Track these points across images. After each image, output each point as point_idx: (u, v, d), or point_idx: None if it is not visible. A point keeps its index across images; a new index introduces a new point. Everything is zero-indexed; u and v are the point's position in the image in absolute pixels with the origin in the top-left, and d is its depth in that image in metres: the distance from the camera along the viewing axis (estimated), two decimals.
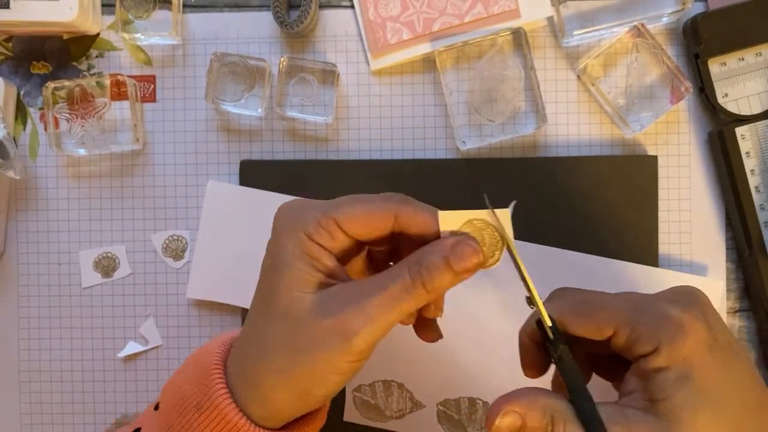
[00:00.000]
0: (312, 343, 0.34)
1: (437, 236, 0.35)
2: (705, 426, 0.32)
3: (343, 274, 0.36)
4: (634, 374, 0.34)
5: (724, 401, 0.33)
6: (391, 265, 0.36)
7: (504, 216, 0.35)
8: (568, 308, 0.36)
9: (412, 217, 0.36)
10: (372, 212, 0.36)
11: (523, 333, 0.38)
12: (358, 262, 0.40)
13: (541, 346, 0.37)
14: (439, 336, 0.39)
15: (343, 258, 0.37)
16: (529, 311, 0.37)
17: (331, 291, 0.35)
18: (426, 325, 0.40)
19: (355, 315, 0.33)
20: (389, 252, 0.40)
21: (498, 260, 0.36)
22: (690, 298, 0.35)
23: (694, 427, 0.32)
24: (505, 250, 0.36)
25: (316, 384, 0.35)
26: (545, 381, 0.38)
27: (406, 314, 0.35)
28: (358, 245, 0.38)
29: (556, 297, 0.37)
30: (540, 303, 0.35)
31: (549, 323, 0.35)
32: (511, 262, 0.36)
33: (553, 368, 0.38)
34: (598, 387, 0.38)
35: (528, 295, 0.36)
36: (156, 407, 0.38)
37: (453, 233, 0.35)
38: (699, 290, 0.36)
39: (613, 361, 0.37)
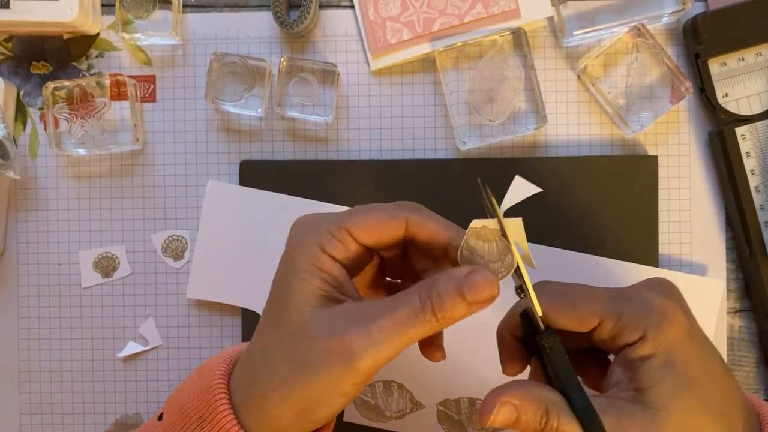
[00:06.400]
0: (314, 360, 0.33)
1: (445, 246, 0.36)
2: (693, 411, 0.33)
3: (353, 290, 0.36)
4: (618, 365, 0.35)
5: (706, 387, 0.34)
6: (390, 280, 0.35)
7: (515, 225, 0.35)
8: (551, 301, 0.36)
9: (421, 225, 0.36)
10: (384, 220, 0.36)
11: (503, 329, 0.38)
12: (369, 272, 0.40)
13: (520, 340, 0.37)
14: (443, 356, 0.39)
15: (355, 268, 0.37)
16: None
17: (339, 309, 0.34)
18: (431, 343, 0.39)
19: (359, 336, 0.33)
20: (401, 259, 0.39)
21: (510, 272, 0.35)
22: (667, 288, 0.36)
23: (683, 413, 0.33)
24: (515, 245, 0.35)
25: (317, 403, 0.34)
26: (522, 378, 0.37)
27: (414, 340, 0.34)
28: (369, 253, 0.38)
29: (536, 290, 0.36)
30: (533, 293, 0.35)
31: (540, 313, 0.35)
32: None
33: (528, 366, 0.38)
34: None
35: (517, 285, 0.35)
36: (160, 417, 0.38)
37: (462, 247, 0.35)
38: (670, 281, 0.37)
39: (586, 357, 0.38)
